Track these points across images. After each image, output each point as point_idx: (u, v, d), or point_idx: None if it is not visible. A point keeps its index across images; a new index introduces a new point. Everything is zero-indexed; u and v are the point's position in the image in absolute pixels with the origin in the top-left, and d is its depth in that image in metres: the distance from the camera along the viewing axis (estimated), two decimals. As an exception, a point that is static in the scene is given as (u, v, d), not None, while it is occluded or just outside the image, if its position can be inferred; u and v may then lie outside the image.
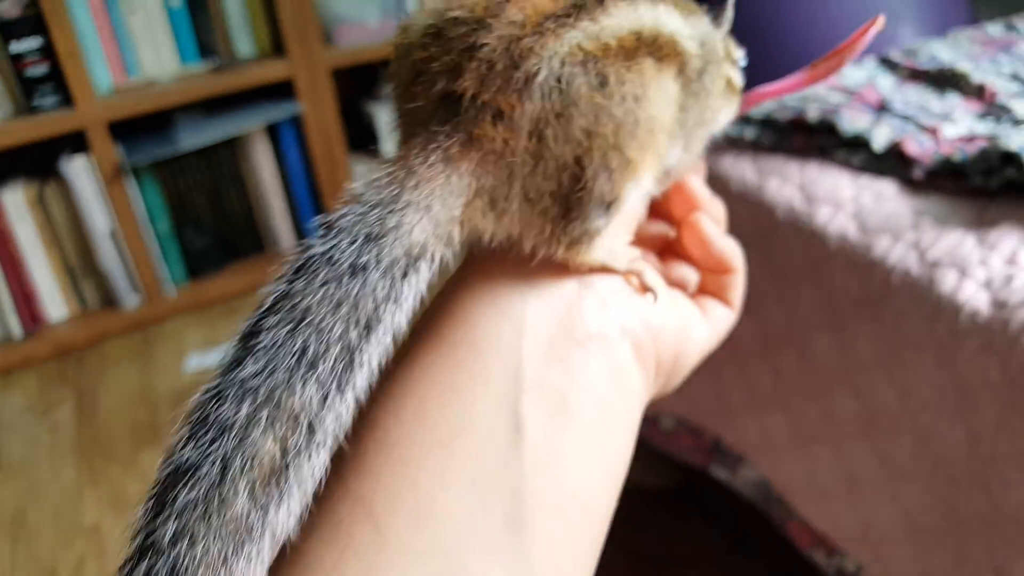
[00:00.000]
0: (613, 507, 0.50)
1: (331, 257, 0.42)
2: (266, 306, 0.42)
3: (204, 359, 2.57)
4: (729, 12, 0.60)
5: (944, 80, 1.49)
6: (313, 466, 0.40)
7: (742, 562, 1.74)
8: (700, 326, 0.61)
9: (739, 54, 0.62)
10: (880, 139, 1.31)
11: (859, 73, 1.57)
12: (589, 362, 0.49)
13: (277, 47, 2.78)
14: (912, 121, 1.35)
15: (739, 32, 0.63)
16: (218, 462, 0.38)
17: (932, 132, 1.31)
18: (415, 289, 0.45)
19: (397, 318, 0.44)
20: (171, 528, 0.36)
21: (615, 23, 0.46)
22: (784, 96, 0.66)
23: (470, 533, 0.42)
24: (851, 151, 1.34)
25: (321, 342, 0.40)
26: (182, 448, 0.38)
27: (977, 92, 1.43)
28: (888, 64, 1.60)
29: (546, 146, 0.45)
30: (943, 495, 1.15)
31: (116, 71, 2.58)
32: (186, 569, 0.36)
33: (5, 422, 2.43)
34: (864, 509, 1.30)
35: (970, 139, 1.27)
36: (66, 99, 2.48)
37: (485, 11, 0.46)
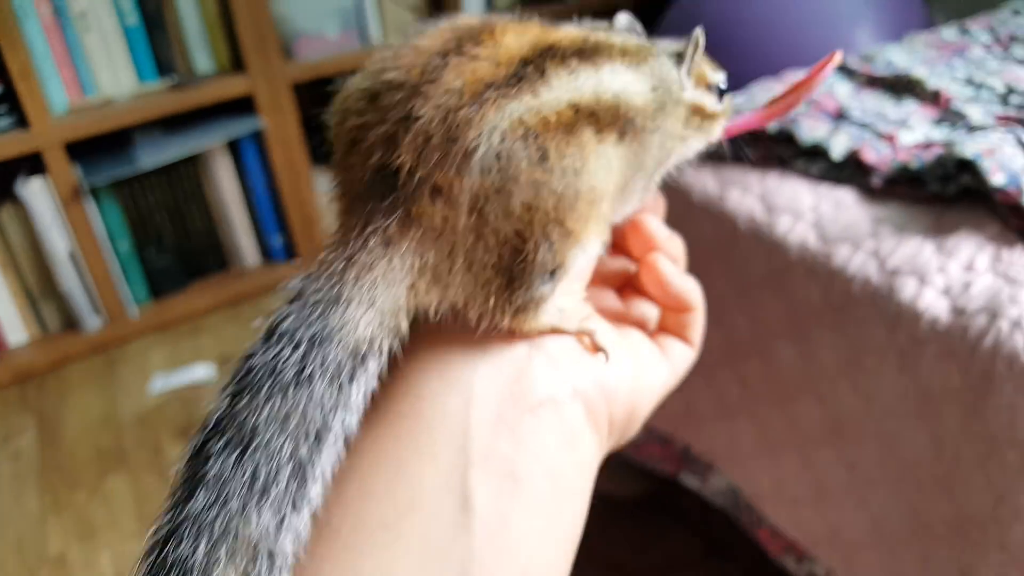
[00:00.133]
0: (568, 572, 0.49)
1: (274, 368, 0.41)
2: (211, 426, 0.40)
3: (169, 380, 2.53)
4: (700, 40, 0.59)
5: (900, 86, 1.51)
6: None
7: (716, 568, 1.75)
8: (658, 367, 0.60)
9: (718, 77, 0.61)
10: (838, 148, 1.32)
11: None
12: (540, 429, 0.47)
13: (236, 62, 2.75)
14: (870, 129, 1.36)
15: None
16: None
17: (889, 139, 1.32)
18: (365, 387, 0.44)
19: (348, 421, 0.43)
20: None
21: (554, 97, 0.45)
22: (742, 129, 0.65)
23: None
24: (810, 160, 1.35)
25: (272, 465, 0.39)
26: None
27: (933, 98, 1.45)
28: (846, 71, 1.62)
29: (486, 221, 0.44)
30: (909, 500, 1.16)
31: (72, 90, 2.54)
32: None
33: (-35, 450, 2.39)
34: (832, 515, 1.30)
35: (927, 146, 1.28)
36: (21, 120, 2.43)
37: (422, 75, 0.44)
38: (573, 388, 0.50)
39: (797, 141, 1.36)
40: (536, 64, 0.45)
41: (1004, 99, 1.41)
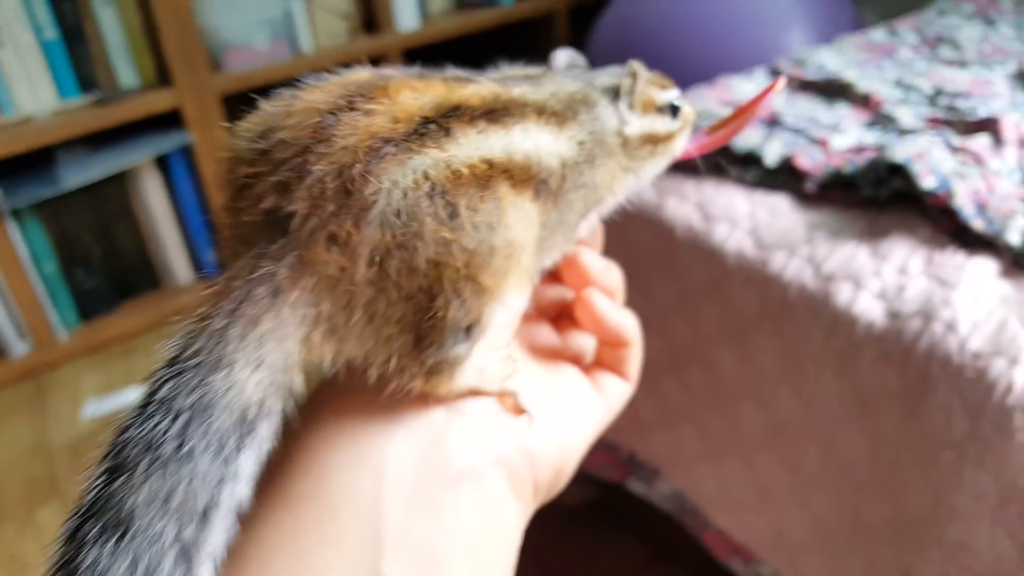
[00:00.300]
0: None
1: (151, 442, 0.37)
2: (85, 508, 0.36)
3: (102, 405, 2.46)
4: (639, 73, 0.57)
5: (832, 90, 1.52)
6: None
7: (664, 573, 1.74)
8: (592, 407, 0.57)
9: (668, 96, 0.59)
10: (772, 154, 1.33)
11: (750, 86, 1.59)
12: (459, 504, 0.44)
13: (162, 76, 2.68)
14: (803, 134, 1.37)
15: (631, 53, 0.62)
16: None
17: (822, 144, 1.33)
18: (257, 454, 0.40)
19: (239, 493, 0.39)
20: None
21: (464, 152, 0.43)
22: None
23: None
24: (744, 167, 1.35)
25: (153, 551, 0.35)
26: None
27: (863, 101, 1.47)
28: (778, 75, 1.63)
29: (387, 275, 0.41)
30: (850, 501, 1.16)
31: (-11, 109, 2.46)
32: None
33: None
34: (776, 517, 1.31)
35: (859, 150, 1.29)
36: (-64, 141, 2.35)
37: (313, 135, 0.41)
38: (495, 456, 0.47)
39: (731, 148, 1.36)
40: (440, 123, 0.43)
41: (932, 100, 1.44)
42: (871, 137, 1.35)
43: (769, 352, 1.23)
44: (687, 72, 1.79)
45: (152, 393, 0.38)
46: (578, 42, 3.12)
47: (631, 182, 0.59)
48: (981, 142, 1.23)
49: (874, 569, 1.16)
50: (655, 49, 2.10)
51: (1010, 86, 1.47)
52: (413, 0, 2.96)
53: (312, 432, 0.44)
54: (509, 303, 0.46)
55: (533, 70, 0.57)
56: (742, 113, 0.61)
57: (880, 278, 1.10)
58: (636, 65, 0.57)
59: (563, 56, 0.62)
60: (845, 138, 1.36)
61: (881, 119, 1.40)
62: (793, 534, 1.28)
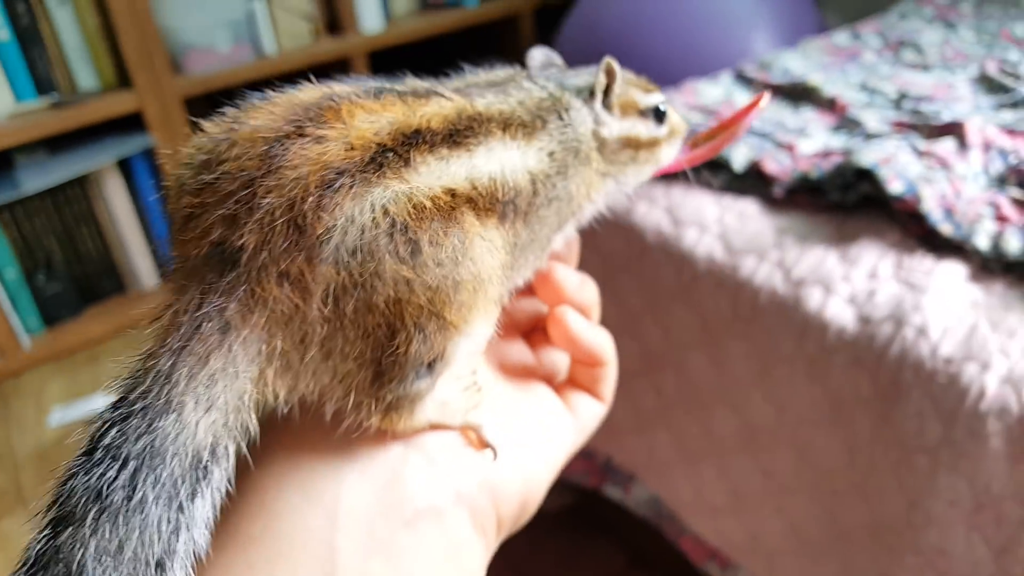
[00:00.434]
0: None
1: (99, 491, 0.35)
2: (31, 562, 0.34)
3: (68, 412, 2.42)
4: (614, 70, 0.54)
5: (797, 94, 1.53)
6: None
7: (640, 577, 1.75)
8: (563, 431, 0.55)
9: (651, 100, 0.57)
10: (739, 159, 1.33)
11: (716, 90, 1.60)
12: (419, 544, 0.42)
13: (122, 78, 2.64)
14: (770, 138, 1.38)
15: (597, 55, 0.60)
16: None
17: (789, 149, 1.34)
18: (211, 499, 0.38)
19: (196, 540, 0.37)
20: None
21: (426, 183, 0.41)
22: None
23: None
24: (713, 172, 1.36)
25: None
26: None
27: (829, 105, 1.48)
28: (743, 79, 1.64)
29: (344, 313, 0.39)
30: (826, 506, 1.17)
31: (-56, 114, 2.41)
32: None
33: None
34: (751, 522, 1.32)
35: (825, 155, 1.30)
36: None
37: (260, 166, 0.39)
38: (456, 493, 0.44)
39: (700, 152, 1.37)
40: (398, 152, 0.41)
41: (897, 104, 1.45)
42: (837, 141, 1.36)
43: (741, 357, 1.23)
44: (653, 75, 1.78)
45: (98, 438, 0.36)
46: (544, 44, 3.11)
47: (611, 188, 0.56)
48: (946, 146, 1.24)
49: (851, 574, 1.17)
50: (621, 51, 2.09)
51: (972, 90, 1.49)
52: (377, 2, 2.94)
53: (263, 470, 0.42)
54: (476, 334, 0.44)
55: (500, 73, 0.54)
56: (725, 128, 0.60)
57: (850, 283, 1.11)
58: (611, 62, 0.54)
59: (539, 55, 0.60)
60: (812, 142, 1.37)
61: (847, 123, 1.41)
62: (769, 539, 1.29)
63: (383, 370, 0.41)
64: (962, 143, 1.25)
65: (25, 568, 0.34)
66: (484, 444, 0.47)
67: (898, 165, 1.18)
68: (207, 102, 2.85)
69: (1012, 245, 1.05)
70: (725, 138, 0.60)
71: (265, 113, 0.42)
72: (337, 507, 0.41)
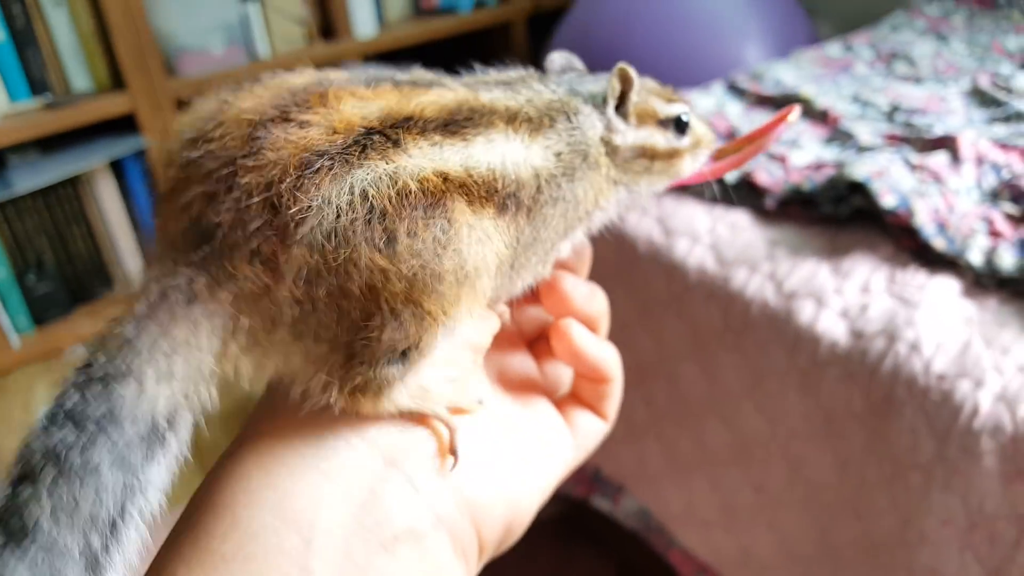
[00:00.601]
0: None
1: (57, 454, 0.35)
2: None
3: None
4: (630, 75, 0.52)
5: (789, 104, 1.53)
6: None
7: (628, 588, 1.75)
8: (560, 449, 0.53)
9: (673, 110, 0.54)
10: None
11: (708, 100, 1.60)
12: (397, 569, 0.40)
13: (116, 80, 2.63)
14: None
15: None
16: None
17: (781, 160, 1.34)
18: (167, 466, 0.38)
19: (149, 502, 0.37)
20: None
21: (415, 163, 0.40)
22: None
23: None
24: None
25: (60, 562, 0.34)
26: None
27: (822, 116, 1.48)
28: (735, 90, 1.64)
29: (316, 297, 0.38)
30: (817, 521, 1.17)
31: (-64, 113, 2.40)
32: None
33: None
34: (742, 536, 1.31)
35: (818, 167, 1.30)
36: None
37: (242, 147, 0.39)
38: (436, 516, 0.43)
39: (693, 163, 1.37)
40: (387, 134, 0.40)
41: (889, 116, 1.45)
42: (830, 153, 1.36)
43: (732, 368, 1.23)
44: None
45: (60, 403, 0.36)
46: (536, 51, 3.12)
47: (623, 196, 0.54)
48: (939, 160, 1.24)
49: (840, 589, 1.17)
50: (613, 60, 2.08)
51: (964, 103, 1.49)
52: (371, 7, 2.93)
53: (234, 482, 0.41)
54: (460, 328, 0.43)
55: (512, 73, 0.52)
56: (752, 140, 0.57)
57: (842, 296, 1.11)
58: (626, 68, 0.52)
59: (559, 59, 0.58)
60: (804, 154, 1.37)
61: (839, 135, 1.41)
62: (760, 553, 1.29)
63: (354, 352, 0.40)
64: (955, 157, 1.25)
65: None
66: (451, 449, 0.45)
67: (891, 178, 1.18)
68: (200, 105, 2.83)
69: (1006, 261, 1.04)
70: (751, 151, 0.57)
71: (254, 96, 0.42)
72: (313, 527, 0.39)
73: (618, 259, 1.39)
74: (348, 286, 0.38)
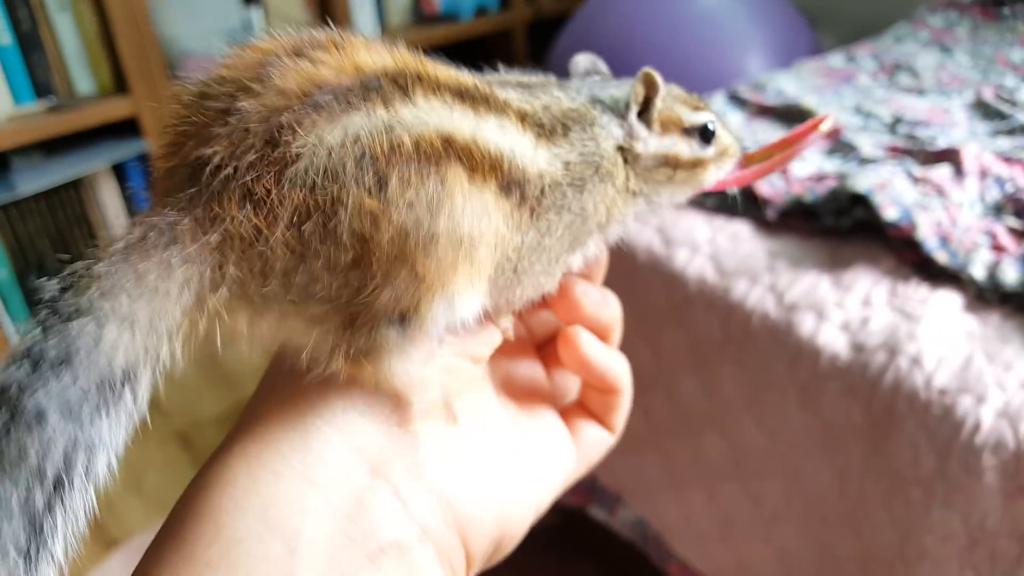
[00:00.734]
0: None
1: (10, 395, 0.33)
2: None
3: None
4: (656, 82, 0.50)
5: (791, 115, 1.53)
6: None
7: (624, 598, 1.74)
8: (561, 461, 0.53)
9: (699, 118, 0.53)
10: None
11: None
12: None
13: (119, 84, 2.64)
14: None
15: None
16: None
17: (783, 172, 1.33)
18: (119, 422, 0.35)
19: (97, 463, 0.35)
20: None
21: (416, 118, 0.38)
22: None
23: None
24: (705, 193, 1.35)
25: None
26: None
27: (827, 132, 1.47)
28: (737, 100, 1.63)
29: (309, 244, 0.36)
30: (816, 536, 1.16)
31: (-59, 115, 2.40)
32: None
33: None
34: (740, 550, 1.30)
35: (819, 178, 1.30)
36: None
37: (250, 74, 0.38)
38: (422, 529, 0.42)
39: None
40: (398, 82, 0.39)
41: (892, 128, 1.45)
42: (831, 165, 1.36)
43: (732, 381, 1.22)
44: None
45: (24, 341, 0.34)
46: (537, 59, 3.12)
47: (641, 207, 0.52)
48: (942, 173, 1.23)
49: (838, 604, 1.16)
50: (614, 69, 2.09)
51: (968, 115, 1.48)
52: (372, 13, 2.94)
53: (220, 487, 0.39)
54: (459, 304, 0.41)
55: (533, 78, 0.51)
56: (782, 147, 0.56)
57: (843, 309, 1.10)
58: (652, 73, 0.50)
59: (583, 61, 0.57)
60: (806, 165, 1.36)
61: (841, 147, 1.40)
62: (757, 568, 1.28)
63: (353, 314, 0.39)
64: (958, 170, 1.24)
65: None
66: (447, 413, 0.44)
67: (893, 191, 1.17)
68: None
69: (1009, 276, 1.04)
70: (780, 159, 0.56)
71: (277, 39, 0.41)
72: (298, 537, 0.38)
73: (617, 269, 1.38)
74: (337, 229, 0.36)
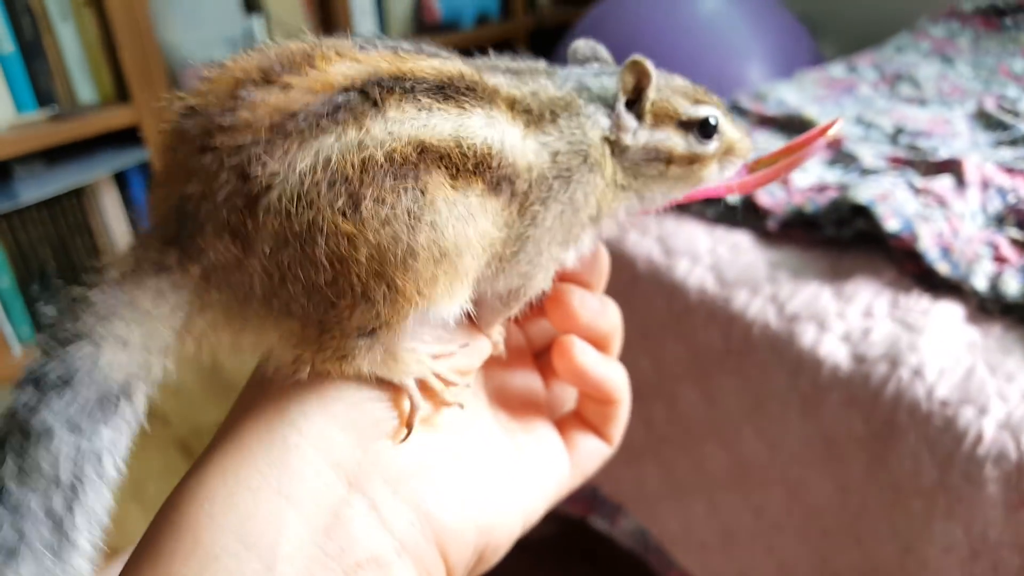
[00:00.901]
0: None
1: (18, 416, 0.36)
2: None
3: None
4: (649, 71, 0.48)
5: (792, 126, 1.53)
6: None
7: (625, 608, 1.73)
8: (556, 472, 0.52)
9: (698, 112, 0.50)
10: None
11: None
12: None
13: (121, 92, 2.65)
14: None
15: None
16: None
17: (784, 182, 1.33)
18: (122, 431, 0.39)
19: (105, 467, 0.38)
20: None
21: (388, 132, 0.38)
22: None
23: None
24: (705, 203, 1.35)
25: (25, 523, 0.35)
26: None
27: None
28: (738, 110, 1.63)
29: (286, 268, 0.38)
30: (817, 547, 1.16)
31: (-57, 123, 2.41)
32: None
33: None
34: (741, 560, 1.30)
35: (820, 188, 1.30)
36: None
37: (221, 108, 0.38)
38: (400, 543, 0.41)
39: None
40: (368, 93, 0.39)
41: (893, 139, 1.45)
42: (833, 176, 1.35)
43: (732, 391, 1.22)
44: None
45: (29, 365, 0.38)
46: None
47: (632, 203, 0.50)
48: (943, 183, 1.23)
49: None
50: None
51: (969, 126, 1.48)
52: (373, 22, 2.95)
53: (196, 503, 0.40)
54: (437, 310, 0.42)
55: (523, 64, 0.49)
56: (789, 152, 0.53)
57: (845, 320, 1.10)
58: (641, 61, 0.47)
59: (583, 47, 0.55)
60: (807, 176, 1.36)
61: (843, 157, 1.40)
62: (758, 578, 1.28)
63: (326, 328, 0.40)
64: (960, 181, 1.24)
65: None
66: (408, 423, 0.43)
67: (895, 202, 1.17)
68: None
69: (1011, 287, 1.03)
70: (788, 164, 0.53)
71: (246, 60, 0.41)
72: (275, 554, 0.38)
73: (617, 279, 1.38)
74: (315, 254, 0.38)
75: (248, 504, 0.39)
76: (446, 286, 0.41)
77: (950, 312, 1.06)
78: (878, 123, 1.50)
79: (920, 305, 1.07)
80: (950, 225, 1.15)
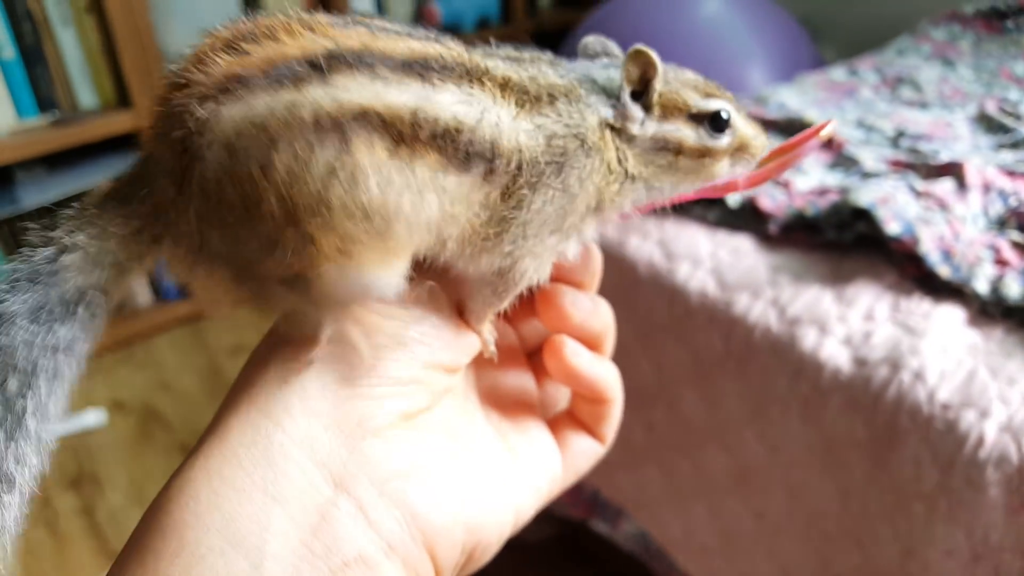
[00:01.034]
0: None
1: None
2: None
3: (70, 423, 2.40)
4: (655, 62, 0.47)
5: (794, 129, 1.52)
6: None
7: (626, 612, 1.73)
8: (548, 472, 0.52)
9: (709, 105, 0.49)
10: (734, 194, 1.33)
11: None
12: None
13: (122, 98, 2.65)
14: (766, 174, 1.37)
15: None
16: None
17: (785, 185, 1.33)
18: (77, 334, 0.41)
19: (61, 362, 0.40)
20: None
21: (325, 96, 0.39)
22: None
23: None
24: (707, 207, 1.35)
25: None
26: None
27: (826, 141, 1.47)
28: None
29: (211, 209, 0.40)
30: (818, 550, 1.15)
31: (-55, 128, 2.41)
32: None
33: None
34: (742, 564, 1.30)
35: (821, 192, 1.29)
36: None
37: (187, 71, 0.40)
38: (387, 544, 0.42)
39: (696, 187, 1.36)
40: (315, 63, 0.39)
41: (894, 142, 1.44)
42: (834, 179, 1.35)
43: (734, 395, 1.22)
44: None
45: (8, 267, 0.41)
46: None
47: (640, 193, 0.49)
48: (945, 187, 1.23)
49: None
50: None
51: (971, 129, 1.48)
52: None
53: (183, 503, 0.40)
54: (368, 275, 0.41)
55: (524, 53, 0.49)
56: (785, 151, 0.53)
57: (846, 324, 1.10)
58: (645, 51, 0.47)
59: (593, 43, 0.54)
60: (808, 179, 1.36)
61: (844, 160, 1.40)
62: (759, 581, 1.27)
63: (250, 271, 0.41)
64: (961, 184, 1.24)
65: None
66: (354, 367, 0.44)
67: (896, 205, 1.17)
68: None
69: (1012, 290, 1.03)
70: (780, 164, 0.53)
71: (222, 31, 0.42)
72: (262, 553, 0.38)
73: (618, 282, 1.38)
74: (231, 196, 0.39)
75: (234, 503, 0.39)
76: (374, 251, 0.40)
77: (951, 315, 1.06)
78: (879, 126, 1.50)
79: (921, 308, 1.07)
80: (951, 228, 1.15)
